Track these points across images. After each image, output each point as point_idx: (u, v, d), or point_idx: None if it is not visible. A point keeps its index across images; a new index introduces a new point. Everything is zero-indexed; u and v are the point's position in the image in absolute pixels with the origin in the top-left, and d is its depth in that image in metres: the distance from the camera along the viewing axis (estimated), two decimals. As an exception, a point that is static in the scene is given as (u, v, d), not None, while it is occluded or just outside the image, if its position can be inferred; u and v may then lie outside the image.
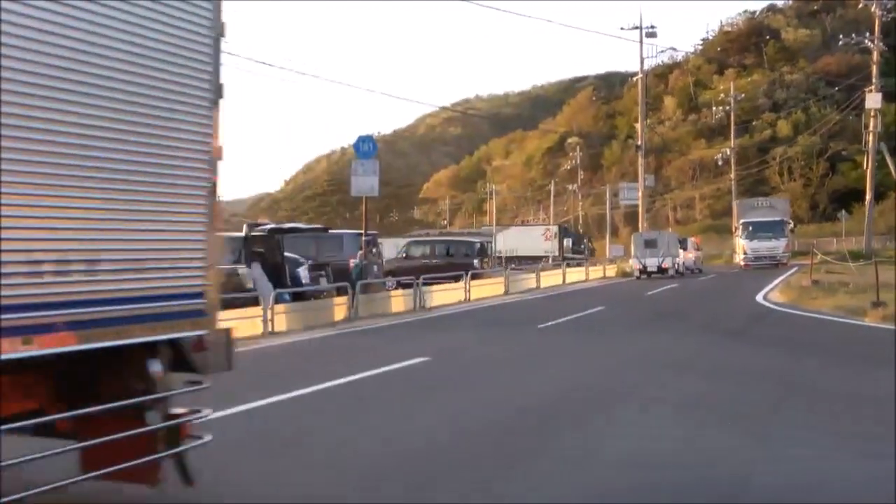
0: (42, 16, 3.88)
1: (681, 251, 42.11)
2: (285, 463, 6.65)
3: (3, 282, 3.71)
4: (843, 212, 58.38)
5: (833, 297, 21.44)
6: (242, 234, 19.14)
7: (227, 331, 5.91)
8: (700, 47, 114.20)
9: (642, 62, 48.25)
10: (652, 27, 47.54)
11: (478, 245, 35.25)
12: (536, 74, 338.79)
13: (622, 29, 48.13)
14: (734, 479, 5.99)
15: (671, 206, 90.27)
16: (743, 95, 76.56)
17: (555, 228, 62.63)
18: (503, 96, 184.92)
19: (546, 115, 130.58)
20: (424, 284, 23.44)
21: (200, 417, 5.44)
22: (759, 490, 5.75)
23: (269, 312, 16.27)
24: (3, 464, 3.97)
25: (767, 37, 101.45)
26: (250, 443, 7.36)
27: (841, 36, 55.69)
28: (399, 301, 22.15)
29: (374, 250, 24.54)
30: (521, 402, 9.23)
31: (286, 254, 20.16)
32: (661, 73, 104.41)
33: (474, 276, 27.38)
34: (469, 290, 25.74)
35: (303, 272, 20.46)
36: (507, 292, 28.72)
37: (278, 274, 18.90)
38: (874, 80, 47.24)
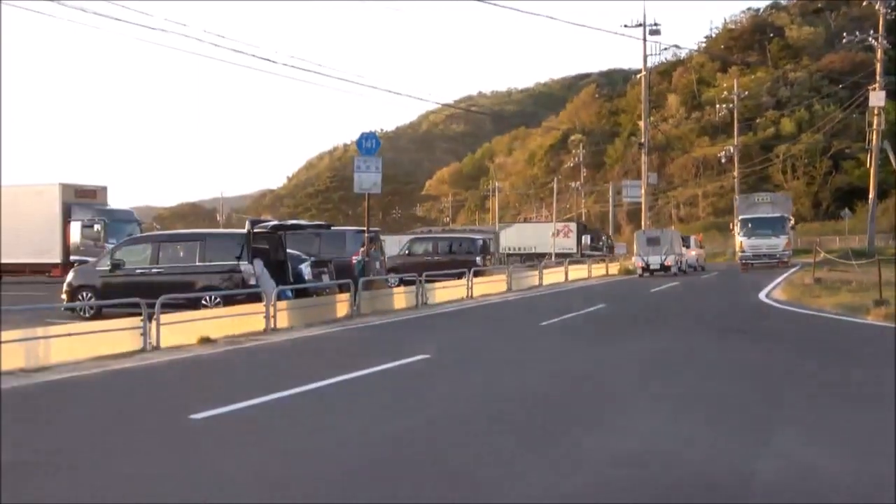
0: None
1: (684, 249, 42.13)
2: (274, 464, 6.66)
3: None
4: (846, 210, 58.29)
5: (835, 296, 21.44)
6: (245, 230, 19.17)
7: None
8: (703, 45, 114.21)
9: (646, 59, 48.16)
10: (655, 24, 47.49)
11: (480, 242, 35.25)
12: (539, 72, 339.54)
13: (625, 26, 47.82)
14: (737, 474, 6.01)
15: (674, 203, 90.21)
16: (746, 93, 76.37)
17: (573, 225, 62.45)
18: (506, 93, 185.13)
19: (549, 113, 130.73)
20: (427, 282, 23.46)
21: None
22: (761, 486, 5.77)
23: (271, 309, 16.31)
24: None
25: (771, 34, 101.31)
26: (255, 438, 7.40)
27: (845, 34, 55.56)
28: (401, 298, 22.17)
29: (376, 247, 24.56)
30: (522, 399, 9.24)
31: (289, 250, 20.22)
32: (665, 71, 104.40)
33: (477, 274, 27.39)
34: (472, 288, 25.75)
35: (305, 269, 20.50)
36: (509, 289, 28.75)
37: (281, 270, 18.95)
38: (878, 78, 47.12)
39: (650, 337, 15.16)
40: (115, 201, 36.56)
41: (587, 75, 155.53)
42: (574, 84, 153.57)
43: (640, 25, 46.90)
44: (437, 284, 24.62)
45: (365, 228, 23.57)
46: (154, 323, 13.52)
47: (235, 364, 12.46)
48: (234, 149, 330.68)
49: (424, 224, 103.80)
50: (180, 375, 11.46)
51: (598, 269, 41.36)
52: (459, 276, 26.40)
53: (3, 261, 31.53)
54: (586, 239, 61.75)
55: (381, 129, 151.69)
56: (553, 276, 34.97)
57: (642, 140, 49.28)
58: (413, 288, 22.77)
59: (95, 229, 31.71)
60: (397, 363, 11.67)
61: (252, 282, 17.65)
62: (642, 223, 48.17)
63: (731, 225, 49.80)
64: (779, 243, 43.43)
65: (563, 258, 48.61)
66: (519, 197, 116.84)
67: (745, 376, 10.57)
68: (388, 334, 16.44)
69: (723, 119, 79.62)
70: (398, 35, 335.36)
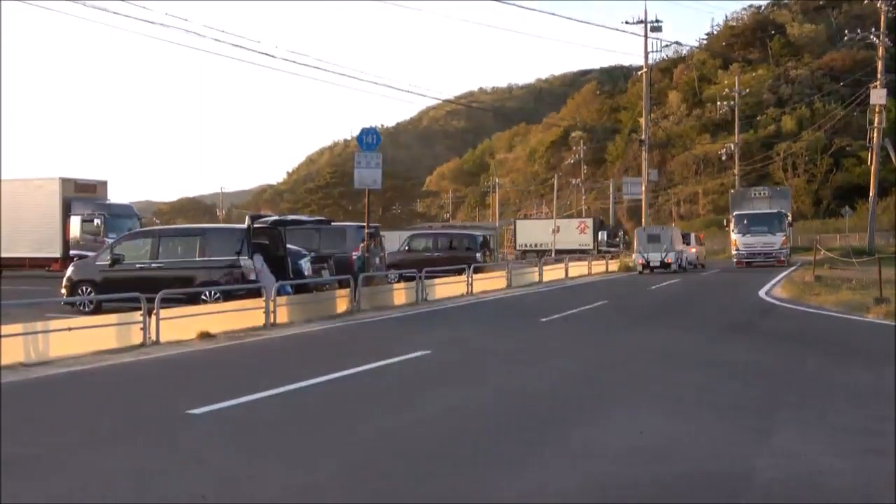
0: None
1: (684, 246, 42.10)
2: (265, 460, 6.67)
3: None
4: (847, 208, 58.28)
5: (836, 294, 21.44)
6: (245, 225, 19.16)
7: None
8: (705, 42, 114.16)
9: (647, 56, 48.12)
10: (657, 21, 47.48)
11: (480, 238, 35.25)
12: (540, 68, 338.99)
13: (627, 23, 47.78)
14: (737, 472, 6.01)
15: (675, 201, 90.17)
16: (747, 90, 76.34)
17: (590, 221, 62.31)
18: (507, 89, 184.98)
19: (550, 109, 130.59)
20: (426, 278, 23.45)
21: None
22: (761, 482, 5.77)
23: (271, 304, 16.30)
24: None
25: (773, 32, 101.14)
26: (264, 430, 7.41)
27: (846, 31, 55.47)
28: (401, 294, 22.17)
29: (376, 243, 24.55)
30: (521, 396, 9.25)
31: (288, 246, 20.20)
32: (666, 68, 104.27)
33: (477, 270, 27.38)
34: (471, 284, 25.74)
35: (305, 264, 20.50)
36: (509, 286, 28.74)
37: (281, 266, 18.94)
38: (879, 76, 47.15)
39: (649, 335, 15.16)
40: (115, 196, 36.58)
41: (588, 72, 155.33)
42: (575, 80, 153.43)
43: (642, 22, 46.90)
44: (437, 281, 24.62)
45: (365, 224, 23.55)
46: (154, 318, 13.51)
47: (235, 359, 12.46)
48: (234, 144, 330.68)
49: (424, 220, 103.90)
50: (180, 370, 11.46)
51: (599, 266, 41.36)
52: (459, 272, 26.39)
53: (3, 255, 31.54)
54: (603, 235, 61.67)
55: (382, 125, 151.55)
56: (553, 272, 34.95)
57: (643, 137, 49.23)
58: (413, 284, 22.77)
59: (95, 224, 31.73)
60: (397, 359, 11.67)
61: (252, 277, 17.64)
62: (643, 220, 48.14)
63: (724, 221, 48.09)
64: (775, 241, 41.22)
65: (582, 254, 48.61)
66: (519, 193, 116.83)
67: (746, 375, 10.58)
68: (388, 330, 16.44)
69: (724, 116, 79.66)
70: (399, 30, 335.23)
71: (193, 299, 16.71)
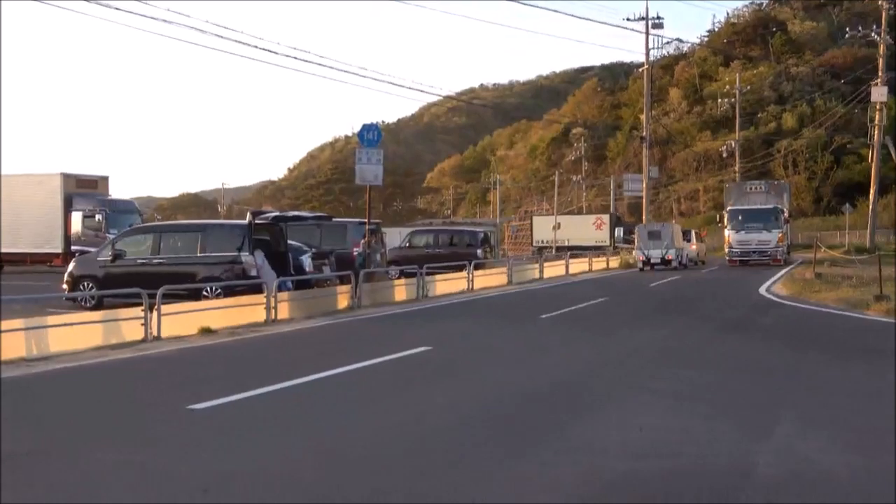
0: None
1: (684, 243, 42.06)
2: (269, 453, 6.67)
3: None
4: (847, 205, 58.25)
5: (836, 291, 21.44)
6: (246, 221, 19.16)
7: None
8: (706, 39, 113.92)
9: (648, 53, 48.02)
10: (658, 18, 47.30)
11: (481, 235, 35.27)
12: (541, 65, 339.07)
13: (628, 20, 47.70)
14: (736, 469, 6.02)
15: (675, 197, 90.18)
16: (748, 87, 76.38)
17: (606, 217, 62.18)
18: (508, 86, 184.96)
19: (551, 106, 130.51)
20: (427, 274, 23.45)
21: None
22: (761, 479, 5.77)
23: (272, 300, 16.32)
24: None
25: (774, 29, 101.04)
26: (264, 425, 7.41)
27: (847, 29, 55.39)
28: (402, 290, 22.18)
29: (377, 239, 24.54)
30: (522, 391, 9.25)
31: (289, 242, 20.21)
32: (667, 65, 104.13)
33: (477, 266, 27.38)
34: (472, 280, 25.74)
35: (306, 260, 20.51)
36: (510, 282, 28.74)
37: (282, 262, 18.95)
38: (880, 74, 47.13)
39: (649, 332, 15.16)
40: (117, 192, 36.66)
41: (589, 68, 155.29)
42: (576, 77, 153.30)
43: (643, 19, 46.77)
44: (438, 277, 24.64)
45: (366, 220, 23.55)
46: (155, 313, 13.53)
47: (236, 355, 12.47)
48: (236, 140, 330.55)
49: (425, 216, 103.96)
50: (181, 366, 11.47)
51: (599, 263, 41.34)
52: (460, 268, 26.40)
53: (5, 250, 31.56)
54: (619, 231, 61.63)
55: (383, 121, 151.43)
56: (554, 269, 34.96)
57: (644, 134, 49.17)
58: (414, 280, 22.78)
59: (97, 219, 31.75)
60: (399, 355, 11.68)
61: (253, 273, 17.66)
62: (643, 217, 48.09)
63: (718, 217, 46.08)
64: (771, 238, 38.78)
65: (599, 250, 48.56)
66: (520, 190, 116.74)
67: (745, 372, 10.58)
68: (389, 326, 16.44)
69: (724, 113, 79.66)
70: (400, 27, 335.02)
71: (195, 295, 16.74)
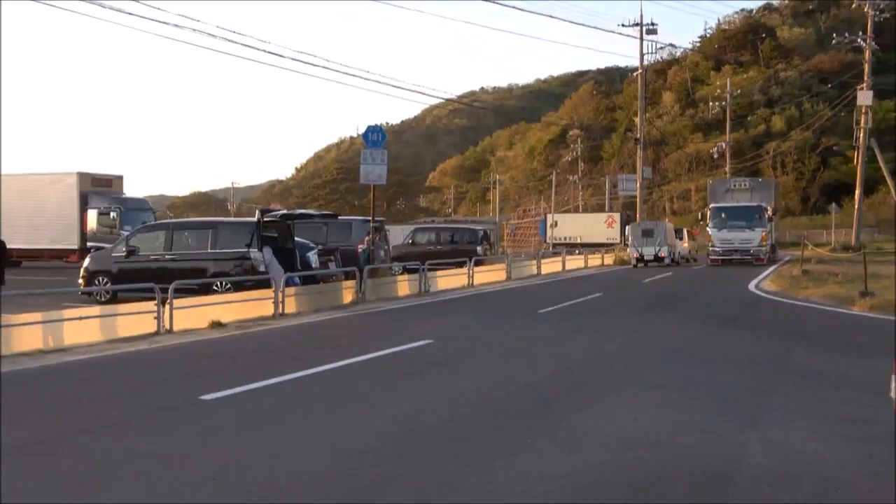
0: None
1: (677, 241, 42.00)
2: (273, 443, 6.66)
3: None
4: (834, 205, 58.22)
5: (822, 287, 21.43)
6: (255, 219, 19.16)
7: None
8: (698, 44, 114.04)
9: (642, 58, 48.04)
10: (652, 24, 47.33)
11: (481, 232, 35.26)
12: (540, 69, 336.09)
13: (623, 26, 47.60)
14: (726, 458, 6.01)
15: (668, 197, 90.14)
16: (739, 91, 76.31)
17: (617, 216, 62.05)
18: (507, 89, 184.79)
19: (548, 108, 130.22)
20: (429, 270, 23.44)
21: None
22: (749, 469, 5.76)
23: (279, 295, 16.32)
24: None
25: (763, 35, 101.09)
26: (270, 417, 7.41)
27: (834, 35, 55.26)
28: (405, 285, 22.17)
29: (381, 236, 24.53)
30: (521, 384, 9.25)
31: (297, 239, 20.21)
32: (660, 69, 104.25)
33: (477, 263, 27.37)
34: (472, 276, 25.73)
35: (312, 256, 20.52)
36: (509, 278, 28.73)
37: (289, 258, 18.95)
38: (866, 78, 47.05)
39: (643, 326, 15.15)
40: (130, 190, 36.60)
41: (586, 73, 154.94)
42: (573, 81, 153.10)
43: (637, 25, 46.78)
44: (440, 273, 24.63)
45: (370, 218, 23.54)
46: (167, 307, 13.53)
47: (245, 348, 12.46)
48: (245, 140, 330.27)
49: (427, 214, 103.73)
50: (192, 358, 11.46)
51: (595, 260, 41.32)
52: (460, 264, 26.39)
53: (23, 247, 31.54)
54: (629, 229, 61.42)
55: (387, 123, 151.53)
56: (551, 265, 34.94)
57: (638, 135, 49.18)
58: (416, 276, 22.77)
59: (111, 217, 31.76)
60: (402, 348, 11.69)
61: (261, 269, 17.65)
62: (637, 216, 48.05)
63: (700, 215, 44.12)
64: (754, 237, 36.16)
65: (610, 247, 48.58)
66: (519, 189, 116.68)
67: (735, 365, 10.57)
68: (393, 320, 16.43)
69: (715, 116, 79.63)
70: (404, 32, 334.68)
71: (205, 290, 16.73)
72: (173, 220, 27.43)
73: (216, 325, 14.29)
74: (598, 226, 60.37)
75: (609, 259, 42.96)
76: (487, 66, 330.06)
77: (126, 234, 22.44)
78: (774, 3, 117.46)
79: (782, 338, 13.15)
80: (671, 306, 18.98)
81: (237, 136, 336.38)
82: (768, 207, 37.49)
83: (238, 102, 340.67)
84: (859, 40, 48.52)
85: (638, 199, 49.46)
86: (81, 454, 6.23)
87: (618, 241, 56.31)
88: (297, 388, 8.90)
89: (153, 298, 13.52)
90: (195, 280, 16.64)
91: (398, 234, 37.51)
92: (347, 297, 19.05)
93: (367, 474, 5.69)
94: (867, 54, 47.57)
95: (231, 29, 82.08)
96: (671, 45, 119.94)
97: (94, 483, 5.50)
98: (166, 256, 18.63)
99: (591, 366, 10.55)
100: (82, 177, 33.00)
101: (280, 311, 16.21)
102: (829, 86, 75.55)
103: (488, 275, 27.94)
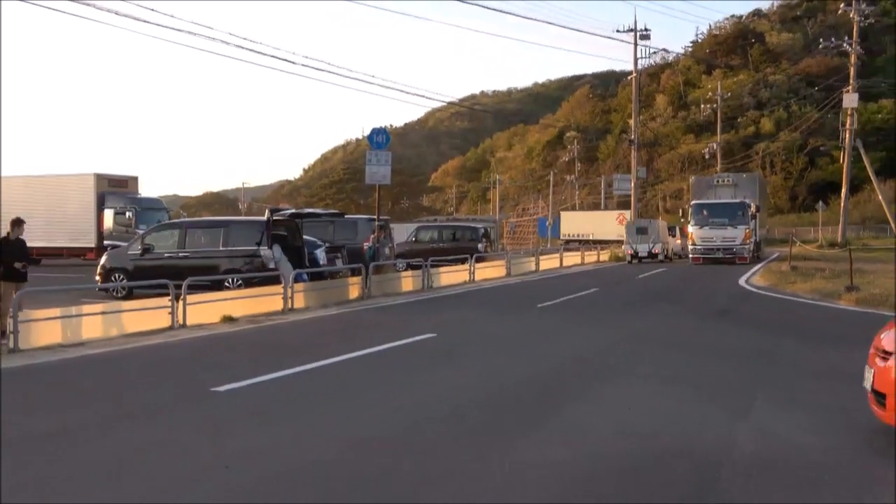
0: None
1: (670, 238, 41.93)
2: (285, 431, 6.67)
3: None
4: (821, 203, 58.14)
5: (810, 282, 21.40)
6: (265, 218, 19.16)
7: None
8: (690, 49, 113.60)
9: (636, 62, 47.89)
10: (646, 30, 47.14)
11: (482, 230, 35.24)
12: (538, 73, 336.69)
13: (618, 31, 47.86)
14: (718, 446, 6.02)
15: (661, 196, 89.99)
16: (729, 94, 76.18)
17: (628, 213, 61.75)
18: (507, 92, 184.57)
19: (546, 111, 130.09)
20: (432, 266, 23.44)
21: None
22: (740, 457, 5.77)
23: (288, 291, 16.33)
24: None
25: (753, 40, 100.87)
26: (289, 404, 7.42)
27: (821, 40, 55.11)
28: (408, 281, 22.17)
29: (385, 234, 24.54)
30: (522, 375, 9.26)
31: (305, 237, 20.21)
32: (654, 73, 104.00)
33: (478, 259, 27.37)
34: (473, 272, 25.72)
35: (320, 254, 20.52)
36: (508, 274, 28.72)
37: (298, 255, 18.96)
38: (851, 82, 46.97)
39: (638, 320, 15.15)
40: (145, 190, 36.65)
41: (582, 76, 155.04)
42: (570, 84, 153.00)
43: (632, 30, 46.65)
44: (442, 269, 24.62)
45: (375, 217, 23.55)
46: (181, 303, 13.55)
47: (255, 342, 12.47)
48: (255, 142, 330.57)
49: (430, 213, 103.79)
50: (204, 352, 11.48)
51: (591, 256, 41.27)
52: (462, 261, 26.39)
53: (43, 245, 31.59)
54: None
55: (391, 125, 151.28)
56: (549, 261, 34.92)
57: (632, 137, 49.06)
58: (419, 272, 22.77)
59: (127, 216, 31.82)
60: (406, 341, 11.70)
61: (271, 266, 17.67)
62: (632, 214, 47.98)
63: (682, 211, 41.44)
64: (736, 235, 33.16)
65: (621, 243, 48.38)
66: (518, 189, 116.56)
67: (726, 357, 10.57)
68: (397, 315, 16.42)
69: (707, 118, 79.58)
70: (407, 37, 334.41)
71: (217, 286, 16.73)
72: (186, 220, 27.43)
73: (228, 319, 14.31)
74: (609, 223, 60.19)
75: (605, 255, 42.88)
76: (487, 70, 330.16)
77: (141, 232, 22.48)
78: (763, 9, 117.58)
79: (771, 331, 13.14)
80: (665, 301, 18.96)
81: (248, 137, 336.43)
82: (752, 204, 34.67)
83: (249, 105, 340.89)
84: (845, 45, 48.42)
85: (632, 198, 49.36)
86: (99, 443, 6.25)
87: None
88: (306, 380, 8.92)
89: (167, 294, 13.53)
90: (208, 277, 16.65)
91: (402, 232, 37.51)
92: (353, 292, 19.05)
93: (373, 462, 5.70)
94: (853, 58, 47.47)
95: (243, 35, 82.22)
96: (664, 49, 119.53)
97: (110, 470, 5.51)
98: (180, 254, 18.64)
99: (587, 358, 10.54)
100: (99, 178, 33.04)
101: (289, 306, 16.23)
102: (816, 89, 75.49)
103: (489, 271, 27.93)
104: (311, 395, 8.12)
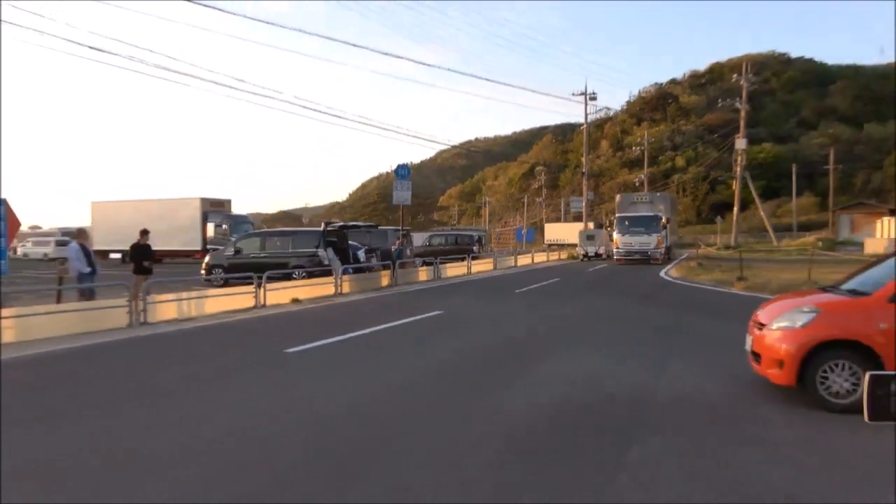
0: None
1: (610, 242, 41.75)
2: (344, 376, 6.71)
3: None
4: (719, 217, 57.95)
5: (711, 274, 21.35)
6: (321, 228, 19.25)
7: None
8: (625, 107, 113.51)
9: (587, 117, 47.73)
10: (593, 94, 46.93)
11: (476, 237, 35.27)
12: (515, 124, 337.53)
13: (573, 94, 47.38)
14: (645, 390, 6.06)
15: (605, 212, 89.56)
16: (653, 139, 75.86)
17: (592, 223, 61.09)
18: (493, 138, 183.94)
19: (521, 152, 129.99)
20: (441, 263, 23.48)
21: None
22: (659, 399, 5.81)
23: (338, 280, 16.40)
24: None
25: (670, 100, 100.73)
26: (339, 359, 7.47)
27: (719, 100, 55.08)
28: (424, 273, 22.20)
29: (407, 240, 24.57)
30: (504, 341, 9.28)
31: (350, 242, 20.26)
32: (599, 124, 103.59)
33: (474, 258, 27.37)
34: (470, 267, 25.75)
35: (361, 254, 20.58)
36: (495, 268, 28.69)
37: (345, 255, 19.02)
38: (742, 130, 46.87)
39: (588, 301, 15.13)
40: (236, 209, 36.71)
41: (547, 127, 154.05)
42: (538, 133, 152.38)
43: (583, 94, 46.52)
44: (448, 265, 24.65)
45: (400, 227, 23.57)
46: (262, 289, 13.61)
47: (316, 316, 12.52)
48: (314, 173, 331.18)
49: (438, 225, 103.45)
50: (279, 324, 11.53)
51: (554, 256, 41.13)
52: (462, 259, 26.41)
53: (163, 248, 31.80)
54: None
55: (411, 162, 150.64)
56: (524, 259, 34.87)
57: (584, 170, 48.99)
58: (432, 267, 22.80)
59: (223, 228, 31.88)
60: (422, 316, 11.73)
61: (326, 263, 17.73)
62: (584, 225, 47.85)
63: (607, 223, 37.77)
64: (651, 241, 31.14)
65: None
66: (502, 207, 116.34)
67: (649, 327, 10.57)
68: (415, 298, 16.44)
69: (637, 157, 79.26)
70: (423, 98, 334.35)
71: (288, 277, 16.80)
72: (265, 230, 27.51)
73: (295, 301, 14.37)
74: (577, 231, 59.77)
75: (563, 255, 42.75)
76: (480, 121, 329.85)
77: (233, 239, 22.56)
78: (677, 77, 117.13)
79: (681, 309, 13.13)
80: (607, 288, 18.93)
81: (309, 170, 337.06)
82: (663, 217, 32.29)
83: (311, 146, 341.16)
84: (737, 104, 48.28)
85: (584, 214, 49.24)
86: (206, 389, 6.31)
87: None
88: (352, 344, 8.97)
89: (252, 283, 13.60)
90: (281, 270, 16.73)
91: (419, 239, 37.53)
92: (384, 281, 19.10)
93: (396, 401, 5.75)
94: (742, 113, 47.30)
95: (308, 99, 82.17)
96: (607, 107, 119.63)
97: (200, 414, 5.57)
98: (261, 254, 18.72)
99: (550, 329, 10.56)
100: (203, 200, 33.15)
101: (339, 291, 16.28)
102: (716, 136, 75.34)
103: (481, 266, 27.93)
104: (355, 355, 8.17)
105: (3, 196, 10.84)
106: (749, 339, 6.16)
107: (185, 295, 12.54)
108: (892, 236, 38.11)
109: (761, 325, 5.95)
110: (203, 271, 19.20)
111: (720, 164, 74.76)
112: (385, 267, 20.19)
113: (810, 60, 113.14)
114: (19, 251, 39.57)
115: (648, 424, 5.01)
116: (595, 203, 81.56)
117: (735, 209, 49.50)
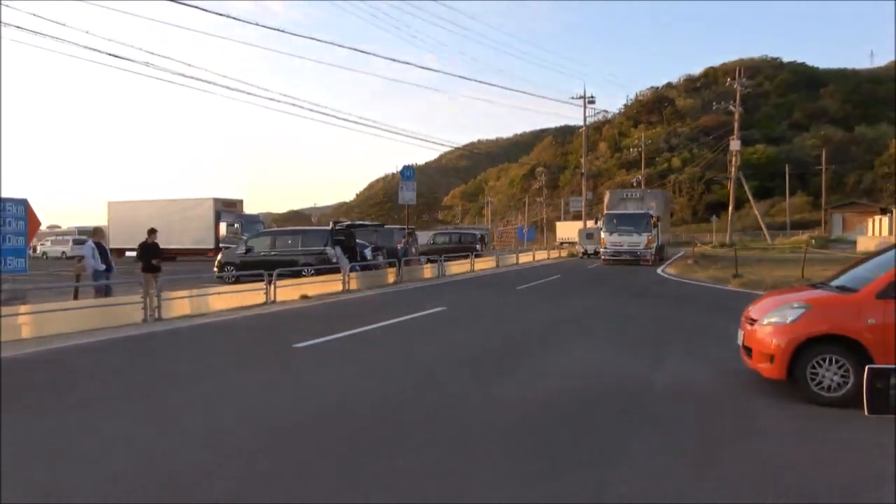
0: None
1: None
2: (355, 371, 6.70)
3: None
4: (714, 216, 57.77)
5: (707, 271, 21.29)
6: (329, 227, 19.25)
7: None
8: (623, 110, 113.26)
9: (585, 119, 47.69)
10: (592, 97, 46.96)
11: (479, 235, 35.21)
12: (517, 126, 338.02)
13: (572, 98, 47.39)
14: (642, 383, 6.04)
15: (602, 211, 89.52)
16: (650, 141, 75.79)
17: (600, 222, 60.65)
18: (495, 140, 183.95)
19: (523, 154, 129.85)
20: (444, 260, 23.44)
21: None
22: (657, 390, 5.79)
23: (346, 277, 16.39)
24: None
25: (666, 103, 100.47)
26: (349, 355, 7.46)
27: (714, 103, 54.83)
28: (428, 271, 22.17)
29: (412, 239, 24.56)
30: (506, 335, 9.27)
31: (357, 240, 20.26)
32: (598, 127, 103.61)
33: (476, 256, 27.33)
34: (473, 264, 25.69)
35: (367, 252, 20.56)
36: (497, 266, 28.63)
37: (352, 253, 19.02)
38: (735, 132, 46.72)
39: (588, 298, 15.09)
40: (248, 209, 36.72)
41: (547, 129, 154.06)
42: (539, 135, 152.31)
43: (582, 98, 46.46)
44: (451, 262, 24.61)
45: (405, 226, 23.56)
46: (272, 286, 13.62)
47: (324, 312, 12.53)
48: (323, 174, 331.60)
49: (442, 224, 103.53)
50: (288, 319, 11.53)
51: (555, 253, 41.06)
52: (465, 256, 26.36)
53: (178, 246, 31.90)
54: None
55: (416, 163, 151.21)
56: (526, 257, 34.79)
57: (583, 171, 48.90)
58: (436, 264, 22.78)
59: (235, 227, 31.91)
60: (427, 312, 11.72)
61: (334, 260, 17.73)
62: (584, 224, 47.76)
63: (595, 220, 34.90)
64: (640, 241, 27.95)
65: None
66: (503, 207, 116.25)
67: (647, 322, 10.55)
68: (420, 294, 16.42)
69: (634, 158, 79.04)
70: (427, 102, 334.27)
71: (297, 274, 16.82)
72: (275, 229, 27.53)
73: (304, 297, 14.37)
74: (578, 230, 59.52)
75: (564, 253, 42.67)
76: (482, 124, 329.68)
77: (245, 238, 22.58)
78: (673, 81, 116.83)
79: (678, 304, 13.10)
80: (606, 284, 18.88)
81: (318, 171, 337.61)
82: (654, 215, 28.88)
83: (320, 148, 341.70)
84: (731, 107, 48.11)
85: (583, 213, 49.17)
86: (209, 383, 6.32)
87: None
88: (359, 339, 8.96)
89: (263, 280, 13.61)
90: (290, 268, 16.74)
91: (423, 237, 37.49)
92: (390, 278, 19.08)
93: (402, 393, 5.75)
94: (736, 116, 47.15)
95: (318, 103, 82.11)
96: (605, 110, 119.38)
97: (215, 401, 5.58)
98: (272, 253, 18.73)
99: (551, 324, 10.54)
100: (216, 201, 33.21)
101: (346, 288, 16.27)
102: (711, 137, 74.99)
103: (484, 263, 27.87)
104: (362, 349, 8.17)
105: (23, 197, 10.87)
106: (741, 334, 6.13)
107: (197, 291, 12.55)
108: (884, 234, 37.92)
109: (753, 321, 5.92)
110: (216, 269, 19.22)
111: (715, 165, 74.65)
112: (391, 264, 20.18)
113: (802, 64, 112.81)
114: (38, 250, 39.74)
115: (646, 415, 4.99)
116: (593, 203, 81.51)
117: (730, 208, 49.38)
